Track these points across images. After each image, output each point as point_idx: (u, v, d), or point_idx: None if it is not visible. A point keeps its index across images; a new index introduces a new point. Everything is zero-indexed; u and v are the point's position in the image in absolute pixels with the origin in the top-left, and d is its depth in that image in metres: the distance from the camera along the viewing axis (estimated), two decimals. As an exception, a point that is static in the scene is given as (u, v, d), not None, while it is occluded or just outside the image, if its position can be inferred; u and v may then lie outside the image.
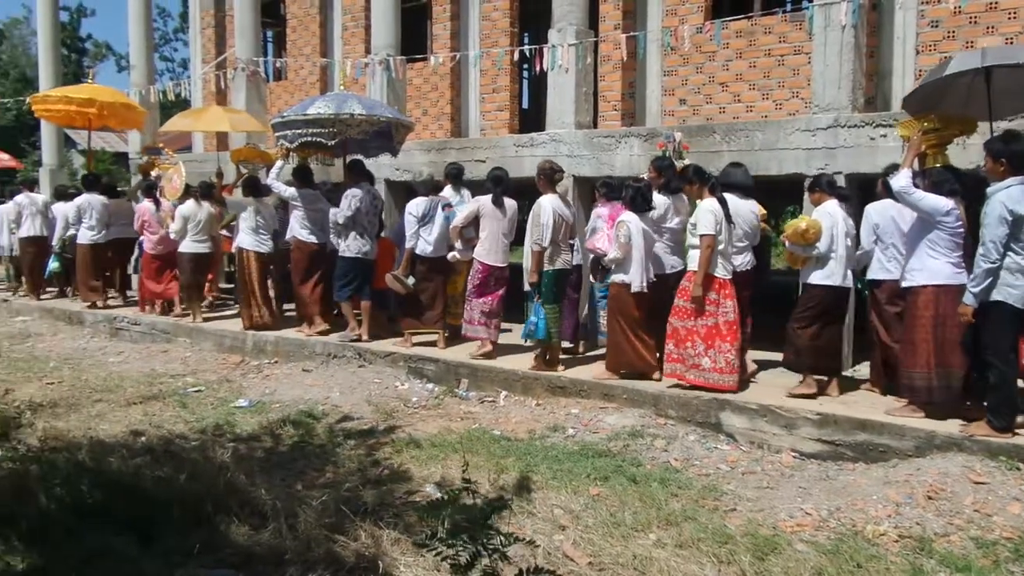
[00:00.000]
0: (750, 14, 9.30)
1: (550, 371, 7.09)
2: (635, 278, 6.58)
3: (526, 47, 10.31)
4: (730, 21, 8.97)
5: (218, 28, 15.33)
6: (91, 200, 11.07)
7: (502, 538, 2.47)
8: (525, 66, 13.67)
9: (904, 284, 5.74)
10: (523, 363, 7.33)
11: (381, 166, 10.22)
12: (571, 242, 7.31)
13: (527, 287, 7.27)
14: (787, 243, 6.33)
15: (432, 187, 8.39)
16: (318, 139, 8.36)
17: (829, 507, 4.60)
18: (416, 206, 8.06)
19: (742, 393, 6.23)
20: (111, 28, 69.21)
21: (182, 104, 18.14)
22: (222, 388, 7.64)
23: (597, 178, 8.39)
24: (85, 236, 11.05)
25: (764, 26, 9.01)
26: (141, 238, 10.53)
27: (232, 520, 4.12)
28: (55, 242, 11.83)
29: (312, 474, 5.18)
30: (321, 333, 8.72)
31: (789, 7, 10.01)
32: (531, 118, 13.46)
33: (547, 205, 6.93)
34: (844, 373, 6.75)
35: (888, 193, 6.02)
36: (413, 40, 12.26)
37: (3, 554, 3.60)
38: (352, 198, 8.30)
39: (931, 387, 5.49)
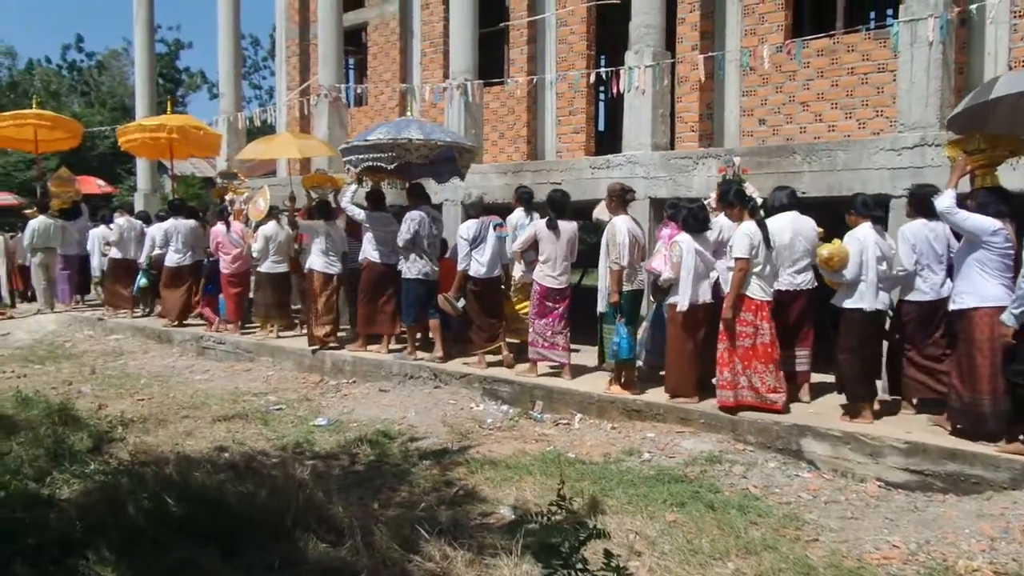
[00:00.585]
0: (832, 32, 9.14)
1: (627, 392, 7.04)
2: (683, 299, 6.58)
3: (602, 69, 10.33)
4: (811, 40, 8.83)
5: (302, 56, 15.82)
6: (177, 224, 11.49)
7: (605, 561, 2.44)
8: (601, 88, 13.68)
9: (952, 307, 5.66)
10: (598, 385, 7.30)
11: (458, 188, 10.36)
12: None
13: (601, 308, 7.26)
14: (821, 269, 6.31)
15: (482, 209, 8.48)
16: (379, 163, 8.57)
17: (918, 540, 4.41)
18: (467, 229, 8.17)
19: (825, 419, 6.06)
20: (208, 57, 72.08)
21: (268, 130, 18.74)
22: (302, 407, 7.79)
23: (674, 199, 8.32)
24: (172, 259, 11.45)
25: (847, 44, 8.83)
26: (211, 260, 10.99)
27: (310, 536, 4.18)
28: (142, 261, 12.34)
29: (388, 493, 5.23)
30: (391, 351, 8.95)
31: (873, 24, 9.79)
32: (607, 140, 13.47)
33: (622, 225, 6.98)
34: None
35: (917, 213, 6.14)
36: (490, 64, 12.42)
37: (95, 564, 3.73)
38: (411, 221, 8.46)
39: (994, 412, 5.37)
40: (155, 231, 11.83)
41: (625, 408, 6.91)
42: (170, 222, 11.61)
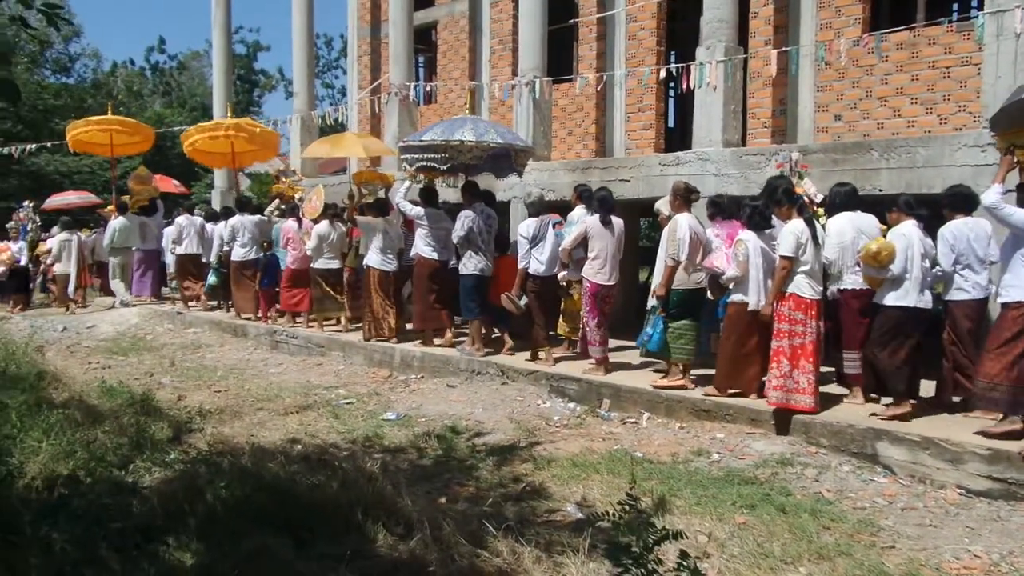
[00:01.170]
0: (912, 25, 8.87)
1: (677, 388, 7.10)
2: (753, 297, 6.58)
3: (673, 66, 10.23)
4: (890, 33, 8.58)
5: (374, 56, 16.05)
6: (243, 221, 11.82)
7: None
8: (671, 85, 13.55)
9: (1000, 300, 5.58)
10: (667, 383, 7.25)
11: (527, 185, 10.37)
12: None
13: (651, 302, 7.29)
14: (861, 265, 6.22)
15: (542, 207, 8.53)
16: (432, 163, 8.79)
17: (1001, 551, 4.26)
18: (526, 227, 8.29)
19: (902, 423, 5.89)
20: (285, 57, 73.67)
21: (340, 129, 19.08)
22: (371, 401, 7.91)
23: (745, 197, 8.19)
24: (237, 253, 11.81)
25: (928, 37, 8.55)
26: (267, 254, 11.41)
27: (380, 528, 4.25)
28: (212, 258, 12.77)
29: (455, 488, 5.28)
30: (446, 346, 9.12)
31: (956, 16, 9.47)
32: (676, 137, 13.32)
33: (684, 222, 6.98)
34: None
35: (955, 212, 6.21)
36: (559, 62, 12.41)
37: (174, 550, 3.87)
38: (466, 218, 8.59)
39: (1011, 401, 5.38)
40: (222, 228, 12.22)
41: (694, 408, 6.84)
42: (236, 218, 11.96)
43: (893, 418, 5.91)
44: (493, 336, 9.19)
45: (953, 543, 4.41)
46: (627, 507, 2.63)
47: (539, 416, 7.19)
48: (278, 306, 11.45)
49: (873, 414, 6.07)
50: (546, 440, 6.47)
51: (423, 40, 15.56)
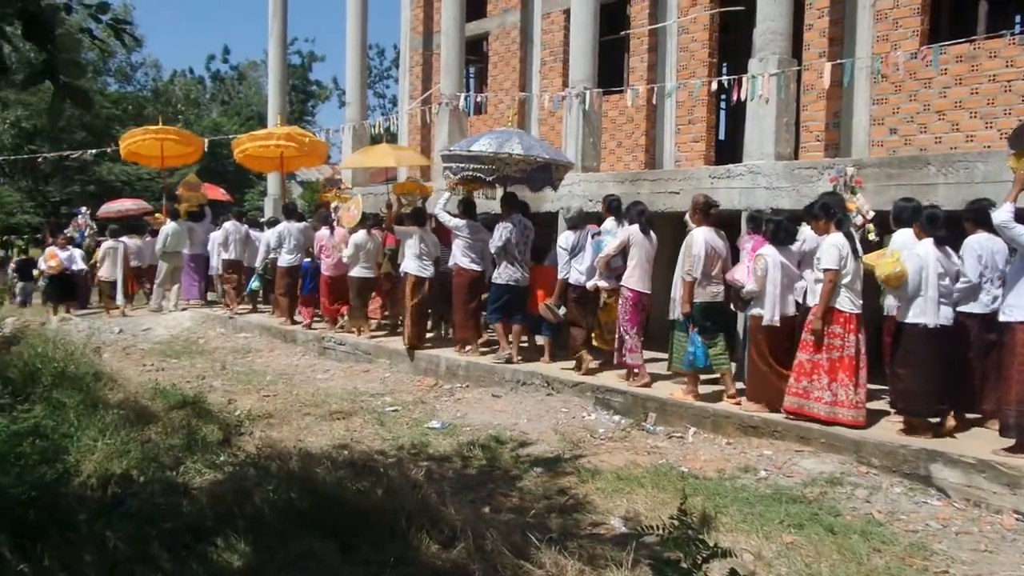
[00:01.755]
0: (972, 37, 8.68)
1: (691, 398, 7.20)
2: (767, 312, 6.66)
3: (724, 78, 10.15)
4: (950, 45, 8.40)
5: (425, 66, 16.21)
6: (289, 227, 12.07)
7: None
8: (723, 97, 13.44)
9: (1001, 318, 5.67)
10: (713, 399, 7.19)
11: (574, 197, 10.37)
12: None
13: (672, 316, 7.38)
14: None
15: (581, 220, 8.60)
16: (478, 174, 8.91)
17: (1059, 579, 4.13)
18: (566, 239, 8.44)
19: (958, 445, 5.75)
20: (338, 67, 74.76)
21: (391, 138, 19.28)
22: (417, 409, 7.96)
23: (797, 211, 8.09)
24: (284, 260, 12.04)
25: (989, 50, 8.36)
26: (306, 261, 11.70)
27: (424, 536, 4.27)
28: (258, 264, 13.09)
29: (499, 498, 5.29)
30: (483, 354, 9.22)
31: (1019, 29, 9.24)
32: (727, 150, 13.20)
33: (700, 237, 7.05)
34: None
35: (977, 227, 6.23)
36: (610, 73, 12.39)
37: (223, 550, 3.93)
38: (504, 229, 8.76)
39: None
40: (269, 235, 12.51)
41: (741, 424, 6.75)
42: (283, 224, 12.22)
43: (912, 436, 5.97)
44: (530, 344, 9.31)
45: (1009, 569, 4.29)
46: (676, 523, 2.60)
47: (584, 428, 7.17)
48: (318, 311, 11.76)
49: (902, 431, 6.07)
50: (590, 452, 6.45)
51: (474, 51, 15.66)
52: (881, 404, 6.82)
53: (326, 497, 4.60)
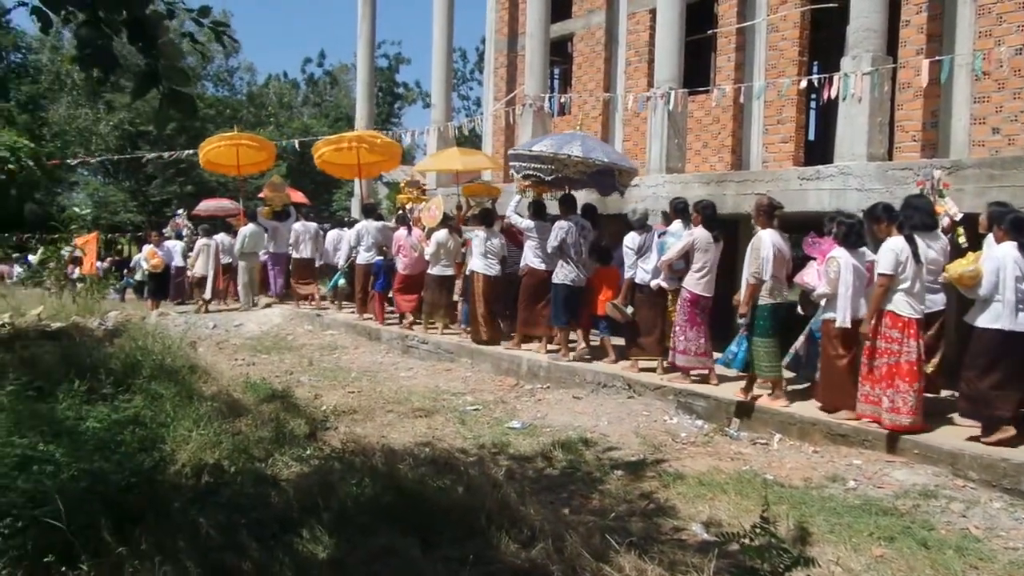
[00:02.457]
0: (1084, 31, 8.24)
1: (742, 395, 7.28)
2: (841, 314, 6.61)
3: (815, 76, 9.89)
4: (1058, 40, 8.00)
5: (510, 68, 16.29)
6: (368, 226, 12.53)
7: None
8: (813, 96, 13.10)
9: None
10: (800, 406, 7.02)
11: (658, 198, 10.27)
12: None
13: (740, 319, 7.33)
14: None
15: (645, 222, 8.74)
16: (538, 174, 9.08)
17: None
18: (632, 239, 8.53)
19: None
20: (423, 69, 76.06)
21: (475, 139, 19.47)
22: (497, 408, 8.00)
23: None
24: (362, 257, 12.50)
25: (1102, 44, 7.93)
26: (378, 259, 12.14)
27: (503, 535, 4.29)
28: (342, 262, 13.58)
29: (579, 500, 5.27)
30: (547, 352, 9.40)
31: None
32: (817, 150, 12.87)
33: (767, 239, 7.04)
34: None
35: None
36: (696, 73, 12.23)
37: (308, 542, 4.04)
38: (559, 230, 8.97)
39: None
40: (351, 234, 13.01)
41: (829, 431, 6.57)
42: (361, 223, 12.71)
43: (998, 444, 5.76)
44: (584, 343, 9.36)
45: (1119, 594, 4.05)
46: (759, 531, 2.55)
47: (665, 432, 7.09)
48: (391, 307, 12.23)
49: (972, 438, 5.91)
50: (672, 457, 6.37)
51: (559, 52, 15.67)
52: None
53: (408, 493, 4.67)
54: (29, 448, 4.17)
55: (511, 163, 9.61)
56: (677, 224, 8.47)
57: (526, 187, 10.02)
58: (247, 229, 14.24)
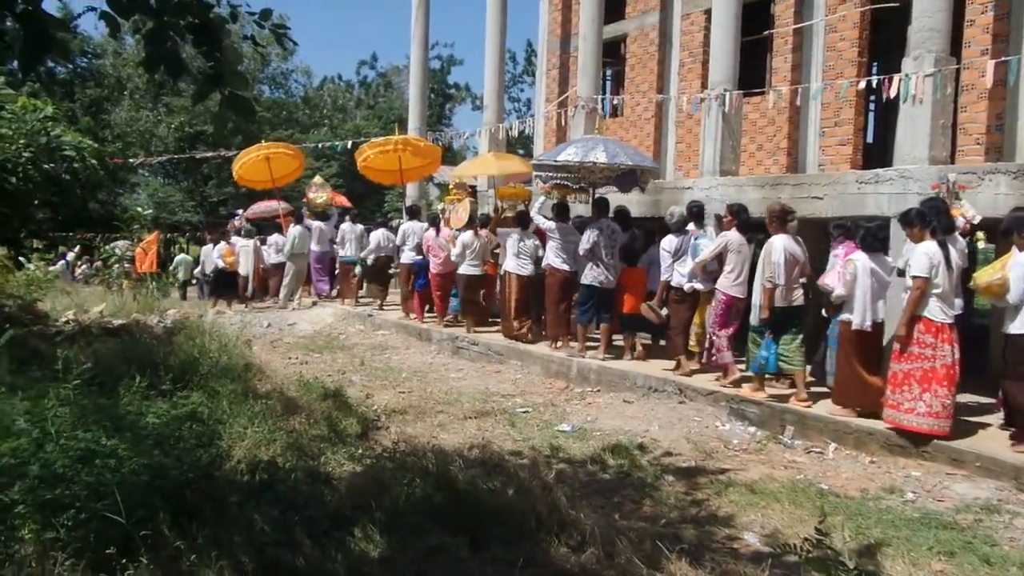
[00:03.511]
0: None
1: (759, 395, 7.48)
2: (857, 316, 6.78)
3: (873, 77, 9.68)
4: None
5: (562, 69, 16.25)
6: (412, 226, 12.88)
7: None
8: (872, 98, 12.82)
9: None
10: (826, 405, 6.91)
11: (711, 200, 10.16)
12: (802, 280, 7.57)
13: (754, 322, 7.54)
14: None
15: (683, 225, 8.91)
16: (565, 182, 9.60)
17: None
18: (669, 242, 8.76)
19: None
20: (473, 71, 76.42)
21: (526, 140, 19.50)
22: (547, 411, 8.00)
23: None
24: (407, 257, 12.87)
25: None
26: (418, 258, 12.47)
27: (553, 539, 4.29)
28: (363, 253, 14.33)
29: (631, 505, 5.24)
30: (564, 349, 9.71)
31: None
32: (876, 153, 12.60)
33: (779, 244, 7.28)
34: None
35: None
36: (751, 74, 12.06)
37: (360, 540, 4.08)
38: (592, 232, 9.23)
39: None
40: (384, 234, 13.88)
41: (887, 441, 6.43)
42: (406, 224, 13.10)
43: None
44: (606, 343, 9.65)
45: None
46: (815, 542, 2.50)
47: (717, 438, 7.01)
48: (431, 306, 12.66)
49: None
50: (724, 464, 6.30)
51: (611, 53, 15.58)
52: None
53: (459, 494, 4.69)
54: (92, 442, 4.27)
55: (535, 173, 9.95)
56: (692, 227, 8.77)
57: (550, 190, 10.42)
58: (295, 230, 14.58)
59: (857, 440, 6.60)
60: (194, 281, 18.93)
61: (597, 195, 9.96)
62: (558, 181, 9.58)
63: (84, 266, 22.84)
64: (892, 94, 8.63)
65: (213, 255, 15.40)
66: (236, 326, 12.18)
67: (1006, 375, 6.08)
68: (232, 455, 5.19)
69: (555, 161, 9.39)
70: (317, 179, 16.71)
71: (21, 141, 8.10)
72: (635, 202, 11.29)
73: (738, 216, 8.08)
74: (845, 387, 6.96)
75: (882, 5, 10.39)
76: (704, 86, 12.01)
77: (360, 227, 15.16)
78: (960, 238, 6.83)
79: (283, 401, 7.19)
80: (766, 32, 11.93)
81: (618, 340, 9.73)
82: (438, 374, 9.91)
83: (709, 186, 10.57)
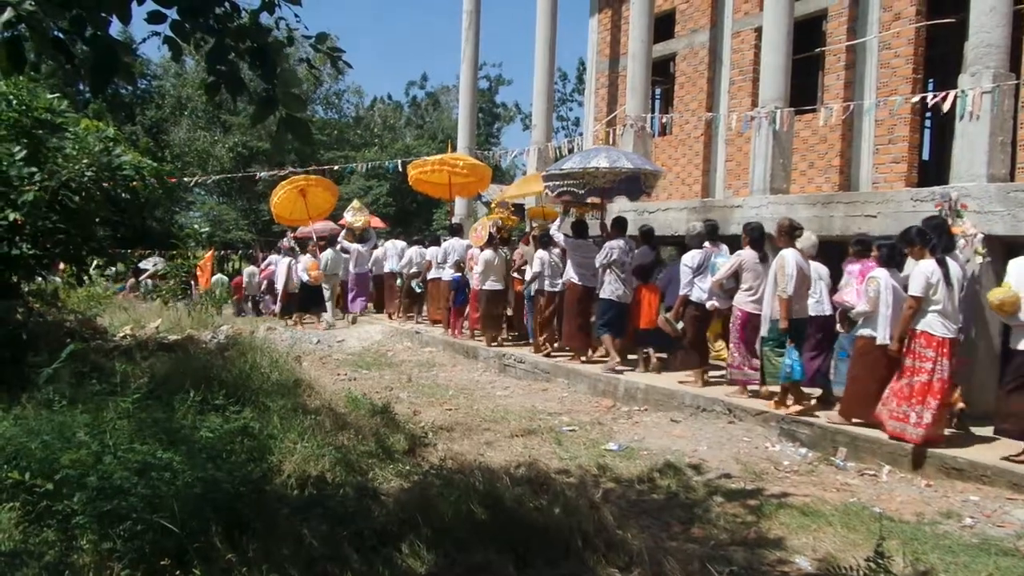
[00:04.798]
0: None
1: (786, 409, 7.61)
2: (880, 332, 6.92)
3: (929, 94, 9.52)
4: None
5: (611, 88, 16.29)
6: (454, 244, 13.36)
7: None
8: (928, 115, 12.60)
9: None
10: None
11: (763, 219, 10.05)
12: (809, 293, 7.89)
13: (763, 333, 7.89)
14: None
15: (703, 241, 9.25)
16: (572, 188, 9.88)
17: None
18: (692, 257, 9.06)
19: None
20: (521, 90, 76.95)
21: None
22: (594, 430, 7.95)
23: (1012, 237, 7.47)
24: (447, 274, 13.24)
25: None
26: (456, 275, 12.86)
27: (599, 558, 4.26)
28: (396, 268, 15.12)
29: (679, 526, 5.18)
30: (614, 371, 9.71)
31: None
32: (932, 171, 12.37)
33: (790, 258, 7.59)
34: None
35: None
36: (802, 92, 11.95)
37: (407, 556, 4.10)
38: (609, 249, 9.69)
39: None
40: (438, 251, 14.17)
41: (943, 464, 6.27)
42: (449, 241, 13.63)
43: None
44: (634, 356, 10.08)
45: None
46: (874, 566, 2.45)
47: (767, 459, 6.90)
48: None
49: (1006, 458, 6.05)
50: (775, 486, 6.19)
51: (661, 72, 15.58)
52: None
53: (505, 512, 4.68)
54: (149, 455, 4.37)
55: (545, 184, 10.38)
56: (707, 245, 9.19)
57: (567, 208, 11.11)
58: (327, 254, 15.19)
59: (913, 462, 6.45)
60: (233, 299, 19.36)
61: (619, 217, 10.41)
62: (565, 188, 9.95)
63: (145, 282, 23.38)
64: (949, 110, 8.47)
65: (298, 269, 15.72)
66: (286, 343, 12.37)
67: (1003, 385, 6.36)
68: (282, 470, 5.26)
69: (560, 170, 9.84)
70: (355, 203, 17.18)
71: (84, 161, 8.36)
72: (684, 220, 11.24)
73: (751, 235, 8.38)
74: (855, 400, 7.11)
75: (938, 22, 10.23)
76: (754, 104, 11.94)
77: (402, 244, 15.77)
78: (959, 255, 7.02)
79: (332, 417, 7.27)
80: (818, 49, 11.81)
81: (633, 355, 10.11)
82: (484, 391, 9.93)
83: (759, 204, 10.48)
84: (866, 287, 7.13)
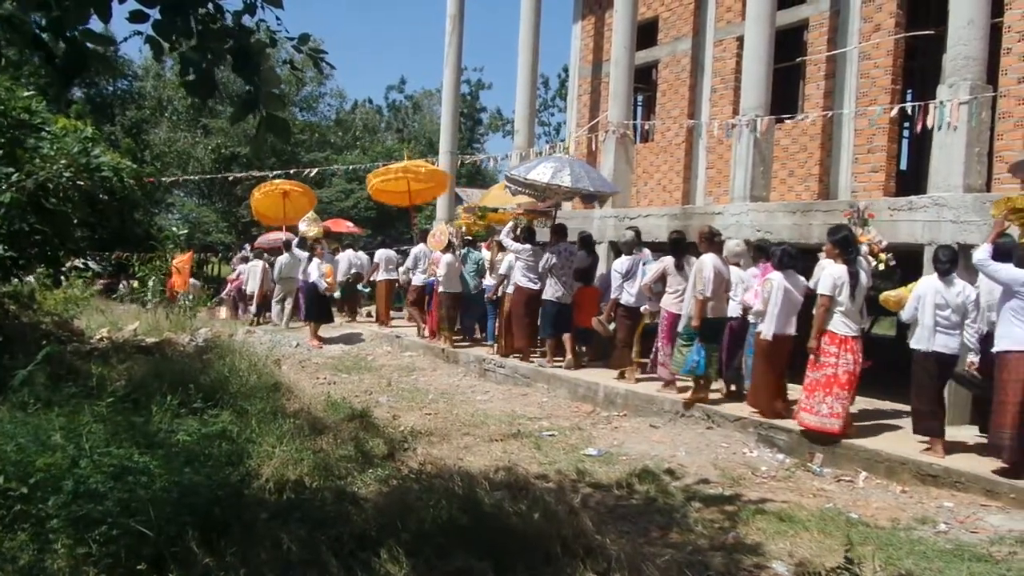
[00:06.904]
0: None
1: (702, 399, 8.31)
2: (767, 328, 7.52)
3: (908, 104, 9.63)
4: None
5: (593, 95, 16.35)
6: (423, 249, 13.71)
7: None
8: (906, 125, 12.74)
9: (993, 349, 6.19)
10: (887, 443, 6.82)
11: (743, 227, 10.12)
12: (729, 295, 8.48)
13: (679, 329, 8.48)
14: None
15: (633, 247, 9.83)
16: (531, 195, 10.70)
17: None
18: (621, 263, 9.70)
19: None
20: (502, 95, 77.03)
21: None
22: (573, 435, 7.96)
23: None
24: (418, 279, 13.67)
25: None
26: (431, 279, 12.96)
27: (578, 564, 4.26)
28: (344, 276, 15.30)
29: (657, 531, 5.20)
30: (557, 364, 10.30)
31: None
32: (910, 181, 12.50)
33: (708, 261, 8.16)
34: None
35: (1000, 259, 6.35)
36: (783, 101, 12.06)
37: (385, 561, 4.08)
38: (550, 254, 10.37)
39: (1012, 446, 5.86)
40: (382, 255, 14.78)
41: (918, 471, 6.34)
42: (419, 247, 13.84)
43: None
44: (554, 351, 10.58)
45: None
46: (843, 571, 2.47)
47: (745, 465, 6.94)
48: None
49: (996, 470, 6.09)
50: (752, 491, 6.23)
51: (643, 79, 15.66)
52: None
53: (484, 517, 4.67)
54: (125, 459, 4.34)
55: (506, 184, 10.99)
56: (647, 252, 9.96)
57: (519, 215, 11.87)
58: (282, 258, 15.11)
59: (889, 469, 6.51)
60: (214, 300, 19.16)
61: (558, 224, 11.11)
62: (524, 193, 10.66)
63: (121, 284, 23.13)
64: (928, 123, 8.58)
65: (313, 275, 13.67)
66: (265, 346, 12.30)
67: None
68: (260, 474, 5.23)
69: (524, 178, 10.31)
70: (310, 214, 17.10)
71: (62, 161, 8.27)
72: (665, 226, 11.29)
73: (673, 243, 9.07)
74: (758, 391, 7.81)
75: (917, 34, 10.36)
76: (736, 112, 12.02)
77: (393, 253, 16.10)
78: (863, 262, 7.45)
79: (311, 421, 7.24)
80: (799, 59, 11.92)
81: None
82: (464, 396, 9.91)
83: (739, 211, 10.55)
84: (762, 288, 7.75)
